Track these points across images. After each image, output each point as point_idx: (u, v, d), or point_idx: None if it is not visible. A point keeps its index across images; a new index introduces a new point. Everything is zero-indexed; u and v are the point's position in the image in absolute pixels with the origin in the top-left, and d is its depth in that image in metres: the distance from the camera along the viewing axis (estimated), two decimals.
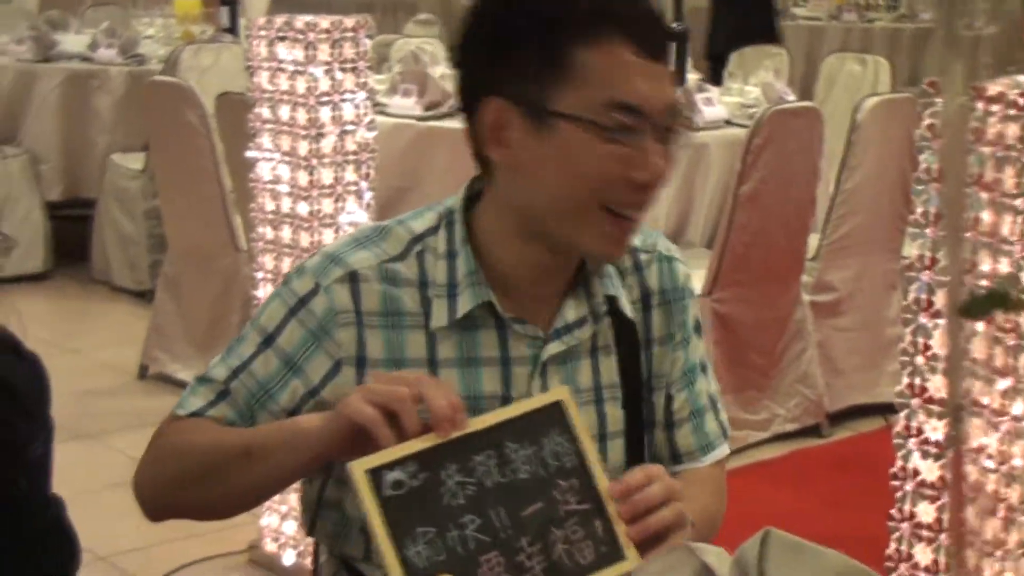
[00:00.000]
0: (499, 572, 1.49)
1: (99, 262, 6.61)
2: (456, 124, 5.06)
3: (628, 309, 1.79)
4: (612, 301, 1.78)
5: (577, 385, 1.76)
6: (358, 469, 1.46)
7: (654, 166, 1.64)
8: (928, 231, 2.60)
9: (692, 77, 5.70)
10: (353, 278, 1.72)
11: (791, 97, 5.35)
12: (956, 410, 1.88)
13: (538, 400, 1.60)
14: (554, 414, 1.54)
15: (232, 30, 6.94)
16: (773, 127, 4.55)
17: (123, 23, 7.52)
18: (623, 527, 1.53)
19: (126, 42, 6.74)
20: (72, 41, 7.07)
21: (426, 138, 5.00)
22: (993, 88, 2.44)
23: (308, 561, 3.76)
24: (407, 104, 5.06)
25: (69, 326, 6.20)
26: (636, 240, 1.83)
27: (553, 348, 1.74)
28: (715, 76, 7.28)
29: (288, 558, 3.82)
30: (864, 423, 5.07)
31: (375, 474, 1.46)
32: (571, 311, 1.76)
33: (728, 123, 4.96)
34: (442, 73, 5.89)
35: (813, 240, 4.93)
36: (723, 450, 1.92)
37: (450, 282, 1.72)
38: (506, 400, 1.72)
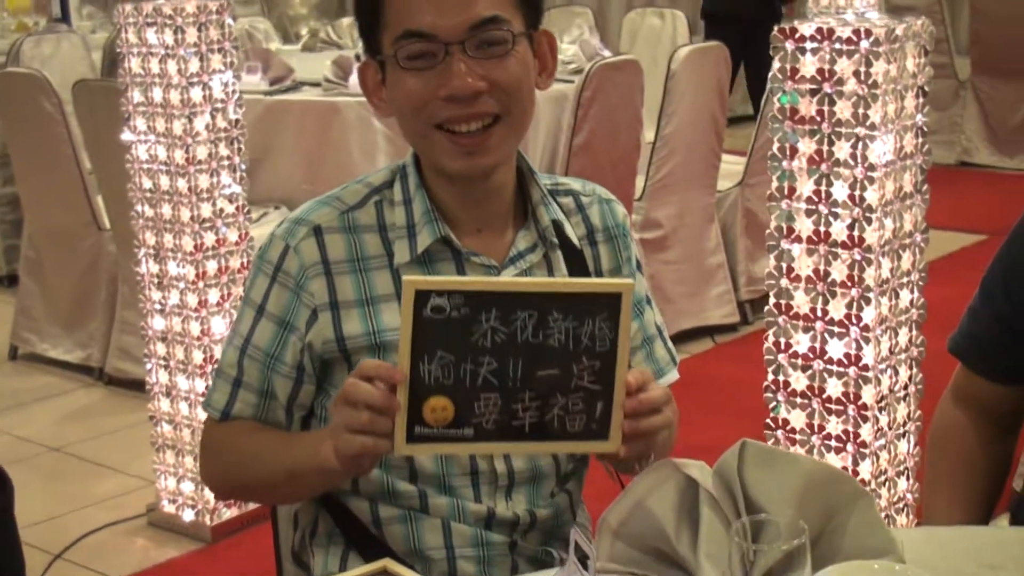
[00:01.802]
0: (492, 411, 1.49)
1: None
2: (301, 97, 4.99)
3: (575, 240, 1.82)
4: (559, 228, 1.81)
5: None
6: (409, 287, 1.45)
7: (455, 80, 1.66)
8: (784, 164, 2.66)
9: None
10: (318, 232, 1.75)
11: (606, 52, 5.38)
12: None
13: (602, 284, 1.60)
14: (610, 302, 1.50)
15: (65, 19, 6.70)
16: (599, 80, 4.60)
17: None
18: (620, 416, 1.52)
19: None
20: None
21: (273, 112, 4.92)
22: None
23: (207, 519, 3.72)
24: (253, 80, 4.96)
25: None
26: (576, 185, 1.89)
27: (507, 273, 1.76)
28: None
29: (187, 516, 3.76)
30: (694, 345, 5.19)
31: (422, 295, 1.45)
32: (523, 241, 1.79)
33: None
34: (278, 48, 5.80)
35: (639, 182, 5.00)
36: (673, 375, 1.96)
37: (408, 223, 1.75)
38: None
